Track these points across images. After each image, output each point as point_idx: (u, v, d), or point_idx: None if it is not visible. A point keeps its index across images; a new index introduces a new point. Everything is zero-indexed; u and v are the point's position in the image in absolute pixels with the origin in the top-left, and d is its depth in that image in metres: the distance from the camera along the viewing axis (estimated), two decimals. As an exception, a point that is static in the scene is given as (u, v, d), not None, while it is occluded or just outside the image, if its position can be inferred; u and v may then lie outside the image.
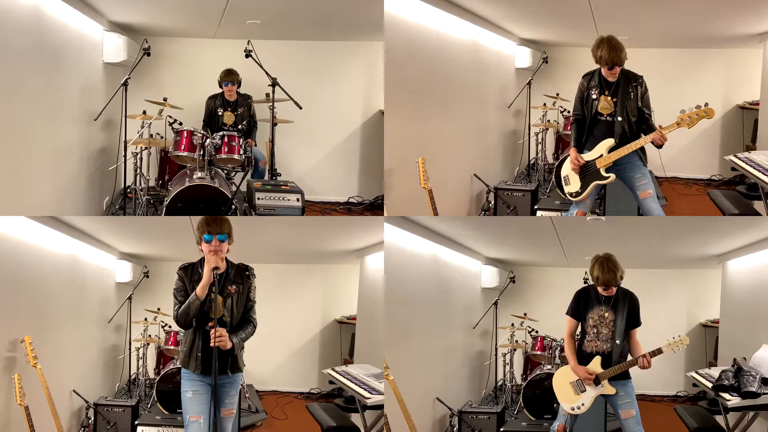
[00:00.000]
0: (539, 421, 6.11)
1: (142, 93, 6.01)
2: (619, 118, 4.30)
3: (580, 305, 4.23)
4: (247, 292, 3.87)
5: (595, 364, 4.13)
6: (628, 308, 4.13)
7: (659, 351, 4.04)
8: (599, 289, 4.15)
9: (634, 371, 4.14)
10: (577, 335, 4.30)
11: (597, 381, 4.11)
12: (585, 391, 4.15)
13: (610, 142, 4.32)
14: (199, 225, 3.74)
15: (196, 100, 6.16)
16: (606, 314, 4.14)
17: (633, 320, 4.15)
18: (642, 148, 4.33)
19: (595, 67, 4.37)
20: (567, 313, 4.28)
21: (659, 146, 4.24)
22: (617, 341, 4.10)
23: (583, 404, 4.16)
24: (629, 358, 4.16)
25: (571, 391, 4.19)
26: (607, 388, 4.10)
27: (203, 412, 3.75)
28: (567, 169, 4.49)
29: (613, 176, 4.35)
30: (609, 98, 4.31)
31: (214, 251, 3.69)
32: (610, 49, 4.21)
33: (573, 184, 4.47)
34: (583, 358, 4.18)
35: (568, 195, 4.53)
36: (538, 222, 5.92)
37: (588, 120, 4.39)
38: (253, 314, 3.92)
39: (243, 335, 3.83)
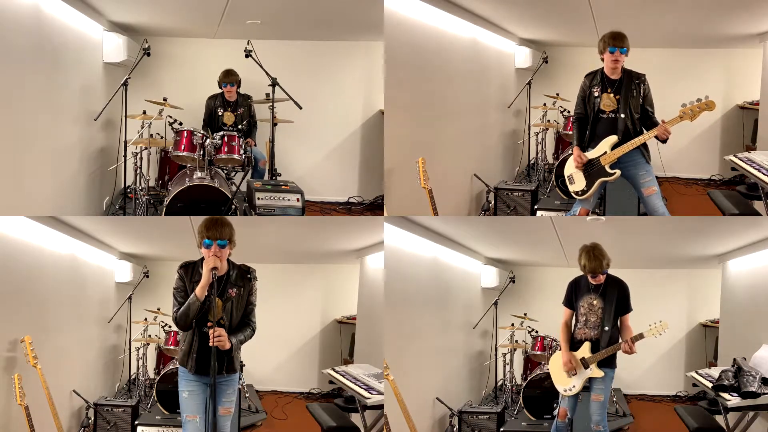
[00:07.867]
0: (539, 421, 6.11)
1: (142, 93, 6.01)
2: (622, 115, 4.33)
3: (573, 294, 4.45)
4: (248, 295, 3.85)
5: (584, 350, 4.34)
6: (617, 295, 4.32)
7: (641, 336, 4.26)
8: (588, 277, 4.33)
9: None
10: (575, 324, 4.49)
11: (586, 364, 4.32)
12: (576, 374, 4.36)
13: (613, 138, 4.34)
14: (200, 228, 3.71)
15: (196, 100, 6.16)
16: (595, 302, 4.35)
17: (623, 307, 4.35)
18: (645, 146, 4.35)
19: (597, 67, 4.40)
20: (563, 303, 4.51)
21: (664, 141, 4.27)
22: (605, 328, 4.30)
23: (574, 386, 4.39)
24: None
25: (564, 374, 4.42)
26: (596, 371, 4.32)
27: (199, 411, 3.76)
28: (570, 168, 4.51)
29: (618, 172, 4.37)
30: (612, 95, 4.35)
31: (213, 255, 3.67)
32: (613, 37, 4.29)
33: (578, 182, 4.48)
34: (574, 345, 4.42)
35: (573, 194, 4.55)
36: (538, 222, 5.92)
37: (590, 118, 4.42)
38: (253, 318, 3.90)
39: (242, 337, 3.83)
